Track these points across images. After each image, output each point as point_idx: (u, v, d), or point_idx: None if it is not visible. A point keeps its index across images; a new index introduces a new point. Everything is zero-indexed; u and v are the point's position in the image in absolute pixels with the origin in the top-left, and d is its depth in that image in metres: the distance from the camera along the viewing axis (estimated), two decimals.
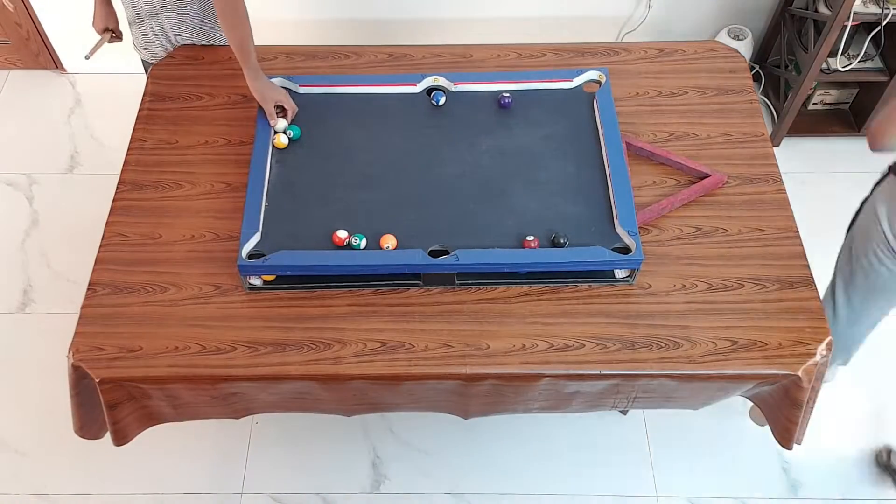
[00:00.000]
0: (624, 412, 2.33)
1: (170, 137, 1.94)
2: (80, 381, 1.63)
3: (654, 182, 1.86)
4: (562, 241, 1.66)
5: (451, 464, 2.25)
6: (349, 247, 1.67)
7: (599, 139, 1.84)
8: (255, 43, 2.13)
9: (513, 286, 1.70)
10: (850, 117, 2.94)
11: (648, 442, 2.28)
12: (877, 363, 2.41)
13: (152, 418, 1.76)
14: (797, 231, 1.79)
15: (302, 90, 1.93)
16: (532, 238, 1.66)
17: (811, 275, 1.72)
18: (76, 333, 1.64)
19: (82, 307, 1.68)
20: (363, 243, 1.66)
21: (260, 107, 1.86)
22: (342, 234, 1.67)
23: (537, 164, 1.81)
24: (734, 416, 2.29)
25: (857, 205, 1.94)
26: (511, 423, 2.30)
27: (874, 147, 1.64)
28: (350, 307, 1.67)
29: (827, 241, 2.61)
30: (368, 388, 1.64)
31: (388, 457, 2.26)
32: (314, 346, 1.62)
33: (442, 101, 1.90)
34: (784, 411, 1.69)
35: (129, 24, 2.07)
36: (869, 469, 2.23)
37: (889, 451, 2.21)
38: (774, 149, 1.98)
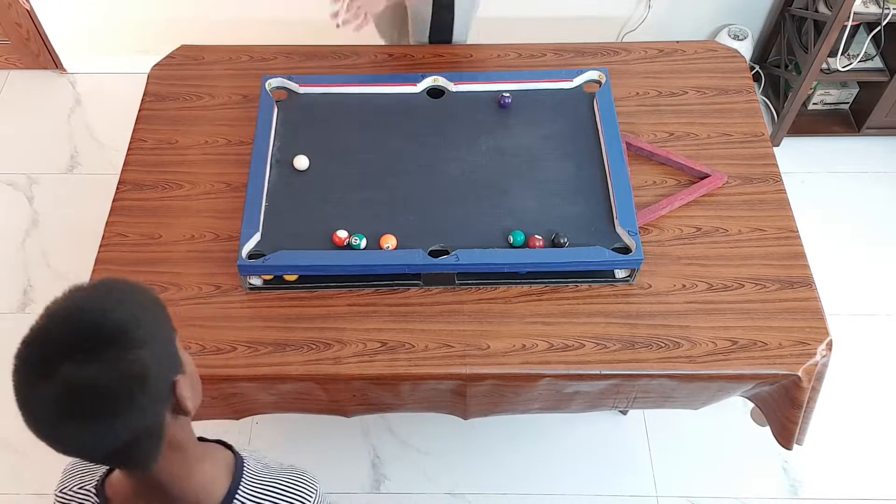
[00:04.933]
0: (624, 412, 2.33)
1: (170, 137, 1.94)
2: None
3: (654, 182, 1.86)
4: (562, 241, 1.66)
5: (451, 464, 2.25)
6: (349, 247, 1.67)
7: (599, 139, 1.84)
8: (256, 42, 2.13)
9: (513, 286, 1.70)
10: (850, 117, 2.94)
11: (648, 442, 2.28)
12: (877, 363, 2.41)
13: None
14: (797, 231, 1.79)
15: (302, 90, 1.93)
16: (540, 238, 1.66)
17: (811, 275, 1.72)
18: None
19: None
20: (363, 243, 1.66)
21: (260, 107, 1.87)
22: (342, 234, 1.67)
23: (537, 164, 1.81)
24: (734, 416, 2.29)
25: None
26: (511, 424, 2.30)
27: None
28: (350, 307, 1.67)
29: (827, 241, 2.61)
30: (368, 388, 1.64)
31: (388, 457, 2.26)
32: (314, 346, 1.62)
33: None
34: (784, 411, 1.69)
35: None
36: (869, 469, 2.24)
37: None
38: (774, 149, 1.98)
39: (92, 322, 0.79)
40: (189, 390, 0.89)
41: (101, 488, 0.98)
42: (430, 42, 2.13)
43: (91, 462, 0.86)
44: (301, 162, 1.79)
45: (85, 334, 0.78)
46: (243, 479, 0.99)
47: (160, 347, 0.84)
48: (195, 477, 0.96)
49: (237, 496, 0.97)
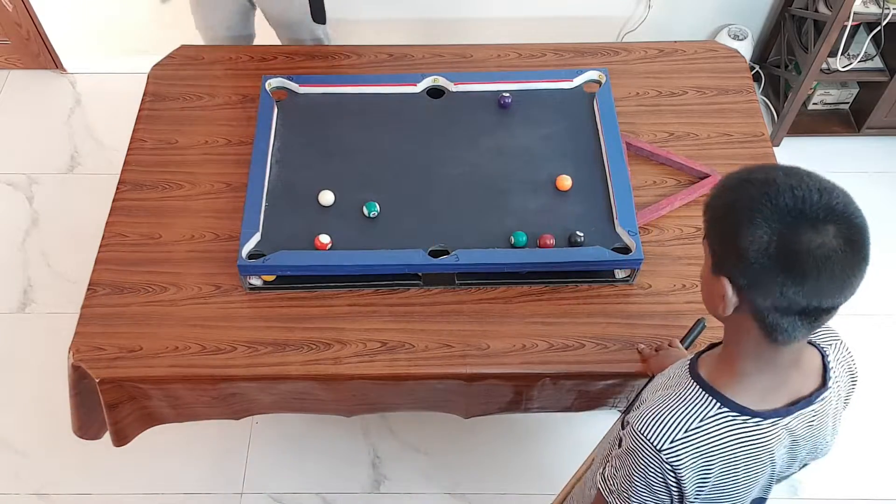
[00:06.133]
0: None
1: (170, 137, 1.94)
2: (80, 381, 1.63)
3: (654, 182, 1.86)
4: (578, 239, 1.66)
5: (451, 464, 2.25)
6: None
7: (599, 139, 1.84)
8: (256, 43, 2.13)
9: (513, 286, 1.70)
10: (850, 117, 2.94)
11: None
12: (877, 363, 2.41)
13: (152, 419, 1.76)
14: None
15: (302, 90, 1.93)
16: (551, 236, 1.66)
17: None
18: (76, 333, 1.64)
19: (82, 307, 1.68)
20: (375, 211, 1.70)
21: (260, 107, 1.87)
22: (324, 238, 1.66)
23: (537, 164, 1.81)
24: None
25: None
26: (511, 424, 2.29)
27: None
28: (350, 307, 1.67)
29: None
30: (368, 388, 1.64)
31: (388, 457, 2.26)
32: (314, 346, 1.62)
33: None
34: None
35: None
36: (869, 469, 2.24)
37: None
38: (774, 149, 1.98)
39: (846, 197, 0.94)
40: None
41: (694, 362, 1.11)
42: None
43: (805, 312, 0.96)
44: (326, 198, 1.74)
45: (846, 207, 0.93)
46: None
47: None
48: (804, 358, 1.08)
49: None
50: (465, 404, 1.72)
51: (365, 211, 1.71)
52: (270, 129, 1.85)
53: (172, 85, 2.05)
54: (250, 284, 1.68)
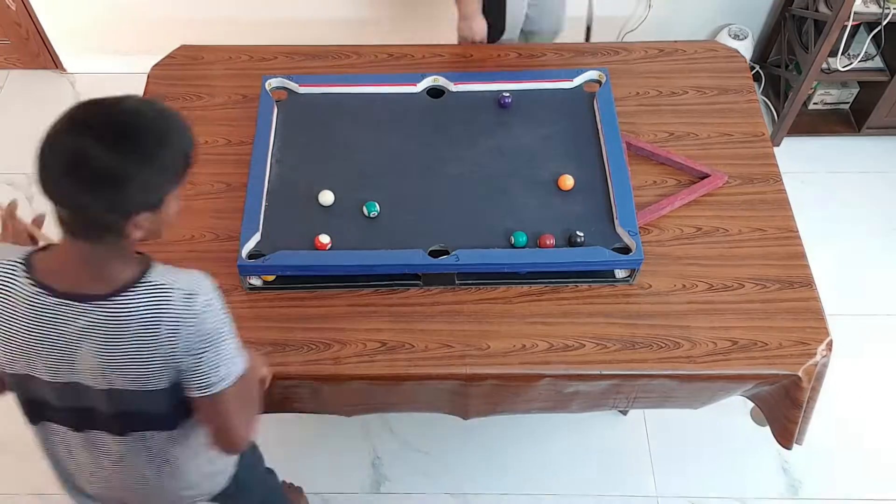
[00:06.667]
0: (624, 412, 2.33)
1: None
2: None
3: (654, 182, 1.86)
4: (578, 239, 1.66)
5: (451, 464, 2.25)
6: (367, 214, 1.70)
7: (599, 139, 1.84)
8: (256, 42, 2.11)
9: (513, 286, 1.70)
10: (850, 117, 2.94)
11: (648, 442, 2.28)
12: (877, 363, 2.41)
13: None
14: (797, 231, 1.79)
15: (302, 90, 1.93)
16: (551, 236, 1.66)
17: (811, 275, 1.72)
18: None
19: None
20: (375, 211, 1.70)
21: (260, 107, 1.87)
22: (324, 238, 1.66)
23: (537, 163, 1.81)
24: (734, 416, 2.29)
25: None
26: (511, 424, 2.29)
27: None
28: (350, 307, 1.67)
29: (827, 241, 2.61)
30: (368, 388, 1.63)
31: (388, 457, 2.26)
32: (314, 346, 1.62)
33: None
34: (784, 411, 1.69)
35: None
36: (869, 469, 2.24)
37: None
38: (774, 149, 1.98)
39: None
40: (156, 225, 1.24)
41: (27, 259, 1.22)
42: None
43: (72, 214, 1.13)
44: (326, 198, 1.75)
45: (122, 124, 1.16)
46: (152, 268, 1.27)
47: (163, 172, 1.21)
48: (121, 261, 1.24)
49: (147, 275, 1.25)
50: (465, 404, 1.72)
51: (365, 211, 1.71)
52: (270, 129, 1.85)
53: (172, 85, 2.05)
54: (250, 284, 1.68)
